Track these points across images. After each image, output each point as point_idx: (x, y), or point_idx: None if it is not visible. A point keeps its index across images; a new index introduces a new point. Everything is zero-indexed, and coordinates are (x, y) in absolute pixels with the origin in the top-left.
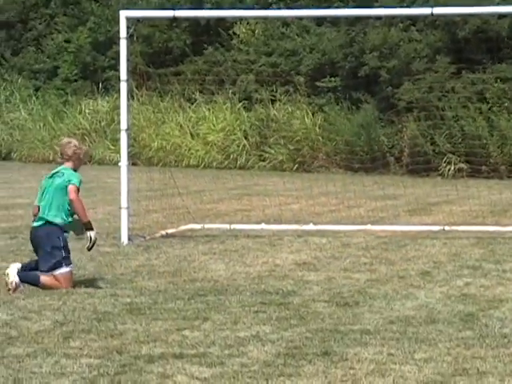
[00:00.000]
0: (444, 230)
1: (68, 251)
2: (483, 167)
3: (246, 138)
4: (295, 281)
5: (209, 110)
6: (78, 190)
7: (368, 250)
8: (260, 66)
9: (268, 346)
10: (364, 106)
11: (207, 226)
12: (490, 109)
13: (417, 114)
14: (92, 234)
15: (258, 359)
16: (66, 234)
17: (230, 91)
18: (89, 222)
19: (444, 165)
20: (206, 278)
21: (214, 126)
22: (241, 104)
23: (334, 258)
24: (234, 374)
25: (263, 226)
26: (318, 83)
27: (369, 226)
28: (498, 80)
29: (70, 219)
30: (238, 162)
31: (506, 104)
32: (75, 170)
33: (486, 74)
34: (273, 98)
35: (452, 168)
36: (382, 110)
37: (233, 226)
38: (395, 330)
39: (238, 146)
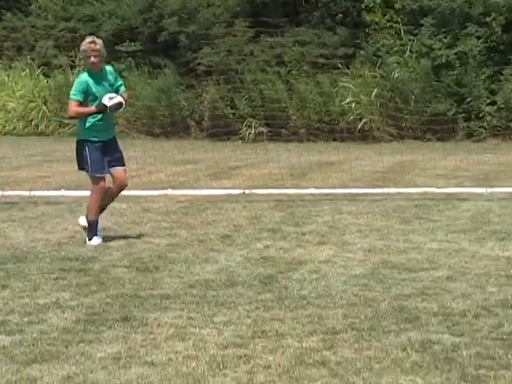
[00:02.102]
0: (244, 193)
1: None
2: (283, 130)
3: (45, 104)
4: (95, 247)
5: (7, 76)
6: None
7: (168, 214)
8: (59, 32)
9: (68, 312)
10: (164, 71)
11: (6, 193)
12: (288, 72)
13: (216, 78)
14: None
15: (57, 326)
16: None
17: (29, 57)
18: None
19: (244, 129)
20: (6, 245)
21: (13, 93)
22: (40, 70)
23: (134, 223)
24: (33, 342)
25: (63, 192)
26: (117, 47)
27: (169, 191)
28: (296, 43)
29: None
30: (39, 129)
31: (305, 67)
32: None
33: (284, 37)
34: (72, 63)
35: (252, 132)
36: (182, 75)
37: (32, 193)
38: (195, 293)
39: (38, 113)
